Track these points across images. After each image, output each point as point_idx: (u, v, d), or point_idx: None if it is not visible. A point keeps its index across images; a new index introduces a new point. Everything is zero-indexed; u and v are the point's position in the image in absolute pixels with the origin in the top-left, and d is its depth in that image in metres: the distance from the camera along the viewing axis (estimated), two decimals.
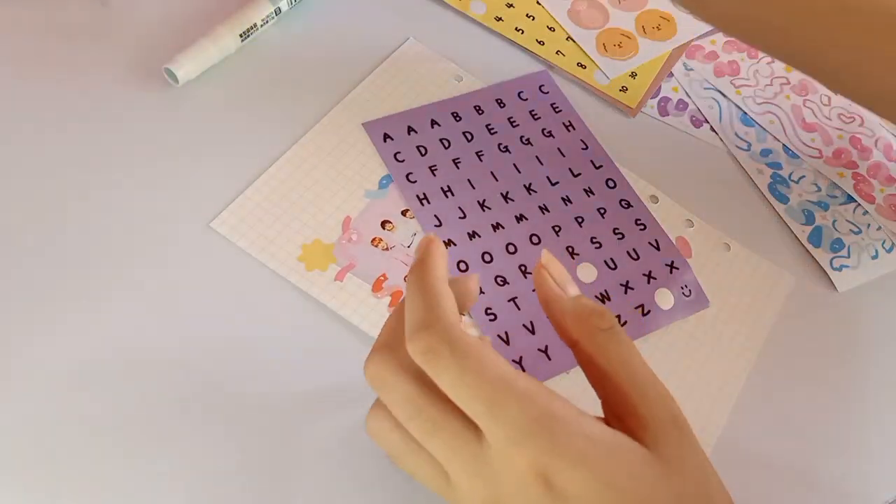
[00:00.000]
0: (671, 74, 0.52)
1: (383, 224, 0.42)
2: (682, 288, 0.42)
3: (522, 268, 0.41)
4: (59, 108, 0.42)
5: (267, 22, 0.47)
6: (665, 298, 0.42)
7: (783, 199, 0.48)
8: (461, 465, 0.26)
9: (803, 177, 0.49)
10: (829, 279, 0.45)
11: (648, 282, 0.42)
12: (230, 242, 0.39)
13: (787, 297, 0.44)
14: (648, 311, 0.41)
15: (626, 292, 0.41)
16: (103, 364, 0.35)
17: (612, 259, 0.42)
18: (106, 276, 0.38)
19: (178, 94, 0.44)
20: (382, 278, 0.40)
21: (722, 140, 0.49)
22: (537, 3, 0.53)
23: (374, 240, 0.41)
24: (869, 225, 0.48)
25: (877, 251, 0.47)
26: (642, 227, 0.44)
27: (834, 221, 0.47)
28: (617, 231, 0.43)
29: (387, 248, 0.41)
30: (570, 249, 0.42)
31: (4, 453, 0.33)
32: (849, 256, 0.46)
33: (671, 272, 0.43)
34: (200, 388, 0.36)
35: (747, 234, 0.46)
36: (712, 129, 0.50)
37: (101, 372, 0.35)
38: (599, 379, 0.28)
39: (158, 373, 0.36)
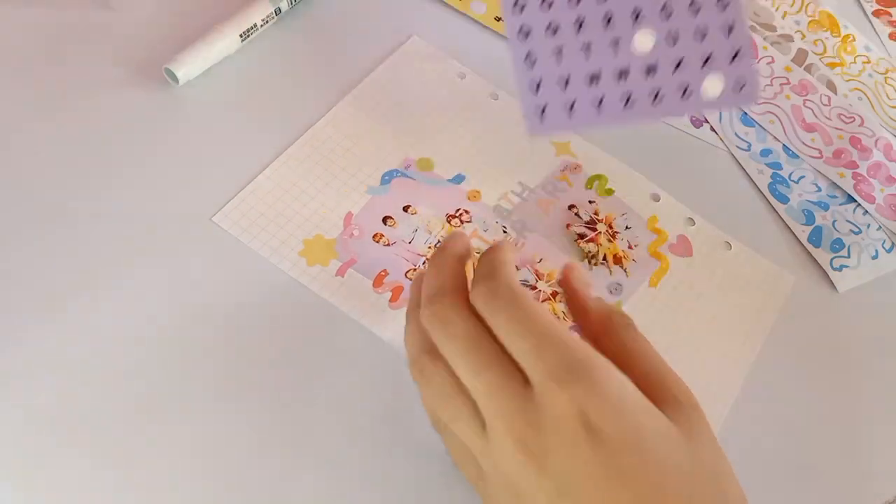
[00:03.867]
0: None
1: (385, 220, 0.42)
2: (737, 79, 0.37)
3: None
4: (58, 108, 0.42)
5: (267, 22, 0.47)
6: (714, 86, 0.37)
7: (783, 199, 0.48)
8: (503, 402, 0.27)
9: (803, 177, 0.49)
10: (829, 279, 0.45)
11: (702, 66, 0.37)
12: (232, 237, 0.40)
13: (786, 296, 0.44)
14: (690, 94, 0.37)
15: (674, 72, 0.37)
16: (106, 357, 0.35)
17: (676, 33, 0.37)
18: (108, 273, 0.38)
19: (178, 94, 0.44)
20: (383, 274, 0.40)
21: (722, 140, 0.50)
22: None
23: (375, 235, 0.41)
24: (869, 225, 0.48)
25: (877, 251, 0.47)
26: (725, 5, 0.38)
27: (834, 221, 0.47)
28: (694, 3, 0.37)
29: (388, 244, 0.41)
30: (637, 11, 0.37)
31: (12, 446, 0.33)
32: (849, 256, 0.46)
33: (732, 61, 0.38)
34: (201, 381, 0.36)
35: (748, 234, 0.46)
36: (712, 129, 0.50)
37: (103, 365, 0.35)
38: (622, 368, 0.29)
39: (160, 366, 0.36)
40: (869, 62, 0.55)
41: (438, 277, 0.31)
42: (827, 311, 0.44)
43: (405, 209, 0.42)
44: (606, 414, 0.26)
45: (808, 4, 0.57)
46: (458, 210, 0.43)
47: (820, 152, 0.50)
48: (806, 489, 0.38)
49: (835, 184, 0.49)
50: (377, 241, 0.41)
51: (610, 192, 0.45)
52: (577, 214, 0.44)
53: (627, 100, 0.38)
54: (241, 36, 0.45)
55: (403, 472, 0.35)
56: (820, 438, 0.40)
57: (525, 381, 0.28)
